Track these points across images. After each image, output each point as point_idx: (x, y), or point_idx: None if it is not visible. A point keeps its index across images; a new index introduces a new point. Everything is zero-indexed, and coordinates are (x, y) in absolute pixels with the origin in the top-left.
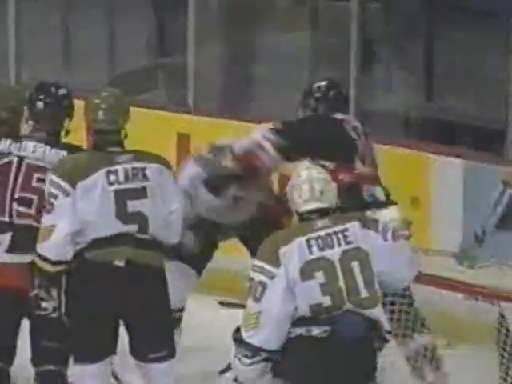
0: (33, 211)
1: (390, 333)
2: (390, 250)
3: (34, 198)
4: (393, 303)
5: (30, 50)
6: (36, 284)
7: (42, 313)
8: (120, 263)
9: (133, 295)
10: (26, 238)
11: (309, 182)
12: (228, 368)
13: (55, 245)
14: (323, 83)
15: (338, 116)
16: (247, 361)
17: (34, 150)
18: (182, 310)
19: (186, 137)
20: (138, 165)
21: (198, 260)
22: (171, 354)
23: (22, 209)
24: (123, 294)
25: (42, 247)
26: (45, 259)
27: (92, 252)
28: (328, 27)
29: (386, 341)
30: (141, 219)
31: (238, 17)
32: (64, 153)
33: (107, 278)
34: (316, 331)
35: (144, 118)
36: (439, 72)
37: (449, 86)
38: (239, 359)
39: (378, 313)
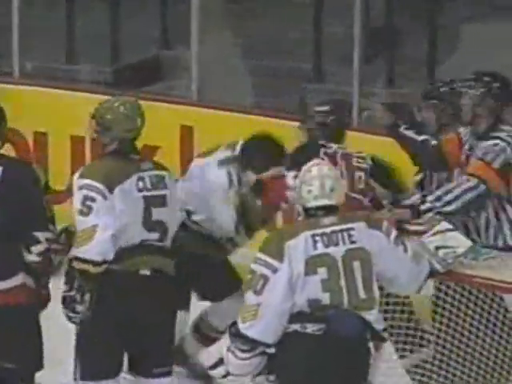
0: None
1: (385, 330)
2: (394, 254)
3: None
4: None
5: (33, 41)
6: (75, 286)
7: (73, 316)
8: (146, 272)
9: (157, 305)
10: None
11: (319, 178)
12: (219, 363)
13: (100, 243)
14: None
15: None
16: (242, 355)
17: None
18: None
19: (189, 129)
20: (158, 172)
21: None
22: (172, 370)
23: None
24: (148, 303)
25: (85, 251)
26: (88, 261)
27: (118, 261)
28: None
29: (383, 340)
30: (162, 228)
31: (241, 9)
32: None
33: (134, 288)
34: (311, 328)
35: (147, 111)
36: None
37: None
38: (233, 353)
39: (374, 314)
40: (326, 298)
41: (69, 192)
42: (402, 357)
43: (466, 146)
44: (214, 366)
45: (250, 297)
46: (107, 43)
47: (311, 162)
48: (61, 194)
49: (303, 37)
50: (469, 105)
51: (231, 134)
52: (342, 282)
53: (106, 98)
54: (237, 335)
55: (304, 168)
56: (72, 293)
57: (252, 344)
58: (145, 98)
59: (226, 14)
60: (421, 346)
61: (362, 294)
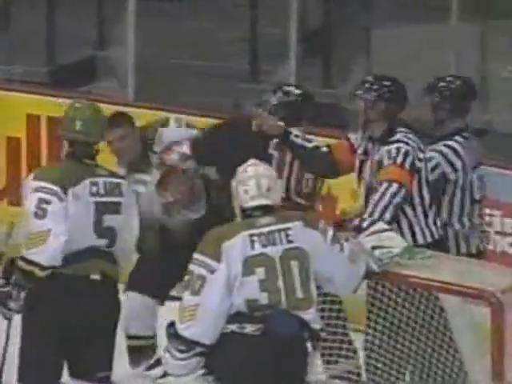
0: None
1: (322, 330)
2: (330, 253)
3: None
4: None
5: None
6: (12, 282)
7: (7, 313)
8: (96, 276)
9: (105, 309)
10: None
11: (255, 178)
12: (156, 364)
13: (52, 249)
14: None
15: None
16: (180, 355)
17: None
18: (153, 337)
19: None
20: (114, 180)
21: (156, 288)
22: (110, 375)
23: None
24: (96, 307)
25: (35, 252)
26: (35, 264)
27: (66, 265)
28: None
29: (319, 339)
30: (111, 234)
31: (176, 8)
32: None
33: (83, 292)
34: (249, 328)
35: None
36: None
37: None
38: (171, 353)
39: (311, 314)
40: (263, 298)
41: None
42: (327, 368)
43: (359, 151)
44: (152, 367)
45: (187, 297)
46: (42, 43)
47: (247, 163)
48: None
49: (239, 37)
50: (362, 108)
51: None
52: (280, 282)
53: (41, 98)
54: (174, 336)
55: (240, 168)
56: (7, 288)
57: (189, 345)
58: (80, 98)
59: (160, 14)
60: (347, 357)
61: (300, 294)
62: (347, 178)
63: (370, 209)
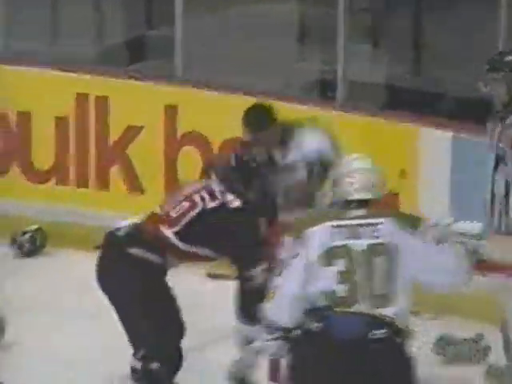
0: None
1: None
2: (425, 252)
3: None
4: None
5: (17, 22)
6: None
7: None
8: None
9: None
10: None
11: (363, 172)
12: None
13: None
14: None
15: None
16: (265, 335)
17: None
18: None
19: (173, 108)
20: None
21: None
22: None
23: None
24: None
25: None
26: None
27: None
28: None
29: (408, 336)
30: None
31: None
32: None
33: None
34: (313, 325)
35: (131, 90)
36: (426, 43)
37: (436, 58)
38: (260, 333)
39: (392, 311)
40: (341, 290)
41: None
42: None
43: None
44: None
45: (274, 278)
46: (91, 22)
47: (353, 155)
48: None
49: (286, 15)
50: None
51: (215, 114)
52: (359, 276)
53: (90, 77)
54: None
55: (345, 159)
56: None
57: (270, 325)
58: (128, 77)
59: None
60: None
61: (380, 290)
62: (395, 156)
63: None
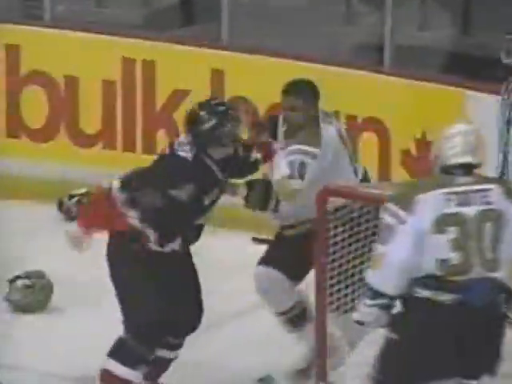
0: None
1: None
2: None
3: None
4: None
5: None
6: None
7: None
8: None
9: None
10: None
11: (463, 135)
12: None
13: None
14: None
15: None
16: (368, 302)
17: None
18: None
19: (219, 73)
20: None
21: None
22: None
23: None
24: None
25: None
26: None
27: None
28: None
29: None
30: None
31: None
32: None
33: None
34: (444, 297)
35: (178, 54)
36: (476, 7)
37: (485, 22)
38: (363, 300)
39: (502, 275)
40: (455, 258)
41: None
42: None
43: None
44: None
45: (377, 245)
46: None
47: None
48: None
49: None
50: None
51: (262, 79)
52: (472, 243)
53: (136, 41)
54: (365, 282)
55: (446, 127)
56: None
57: (374, 293)
58: (175, 42)
59: None
60: None
61: (490, 255)
62: (443, 120)
63: None
